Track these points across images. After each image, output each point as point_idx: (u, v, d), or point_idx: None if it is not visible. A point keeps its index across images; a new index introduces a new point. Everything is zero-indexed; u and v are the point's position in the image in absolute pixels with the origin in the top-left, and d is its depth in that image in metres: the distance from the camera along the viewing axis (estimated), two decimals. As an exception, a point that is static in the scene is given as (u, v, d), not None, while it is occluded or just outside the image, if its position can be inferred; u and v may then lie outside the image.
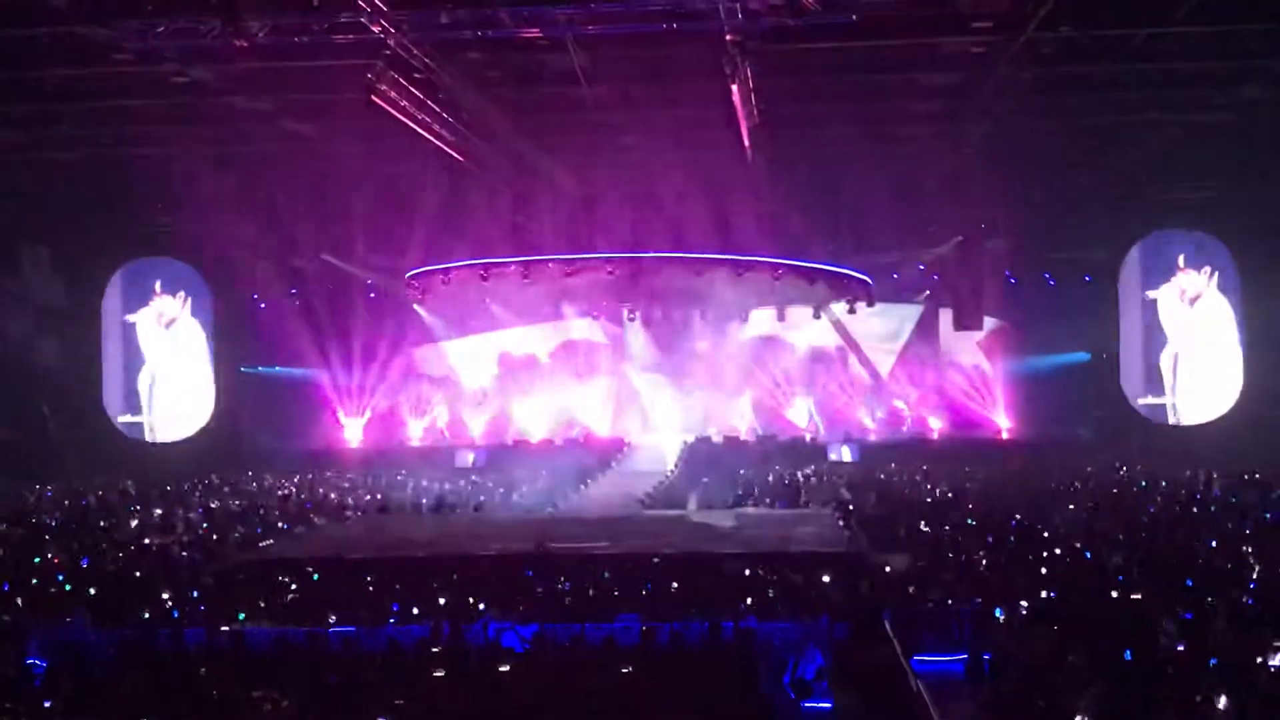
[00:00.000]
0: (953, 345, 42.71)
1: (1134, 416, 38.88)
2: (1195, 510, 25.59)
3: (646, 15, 20.84)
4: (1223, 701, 11.53)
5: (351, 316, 41.15)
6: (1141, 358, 39.13)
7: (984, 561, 19.90)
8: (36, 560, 22.22)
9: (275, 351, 43.04)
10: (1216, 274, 38.52)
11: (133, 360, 41.93)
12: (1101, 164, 34.90)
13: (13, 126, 30.17)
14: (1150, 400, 38.96)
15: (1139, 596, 16.52)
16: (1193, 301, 38.76)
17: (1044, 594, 16.85)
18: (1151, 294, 39.06)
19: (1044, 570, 19.01)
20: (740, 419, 42.49)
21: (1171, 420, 38.71)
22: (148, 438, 41.62)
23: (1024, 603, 16.24)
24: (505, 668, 13.75)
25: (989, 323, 41.41)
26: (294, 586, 19.15)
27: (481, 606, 17.28)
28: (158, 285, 41.93)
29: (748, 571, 19.37)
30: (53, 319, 39.98)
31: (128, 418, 41.78)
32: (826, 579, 18.74)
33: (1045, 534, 22.89)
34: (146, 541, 24.59)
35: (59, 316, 40.18)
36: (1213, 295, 38.60)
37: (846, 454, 37.73)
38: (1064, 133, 32.39)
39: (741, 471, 34.88)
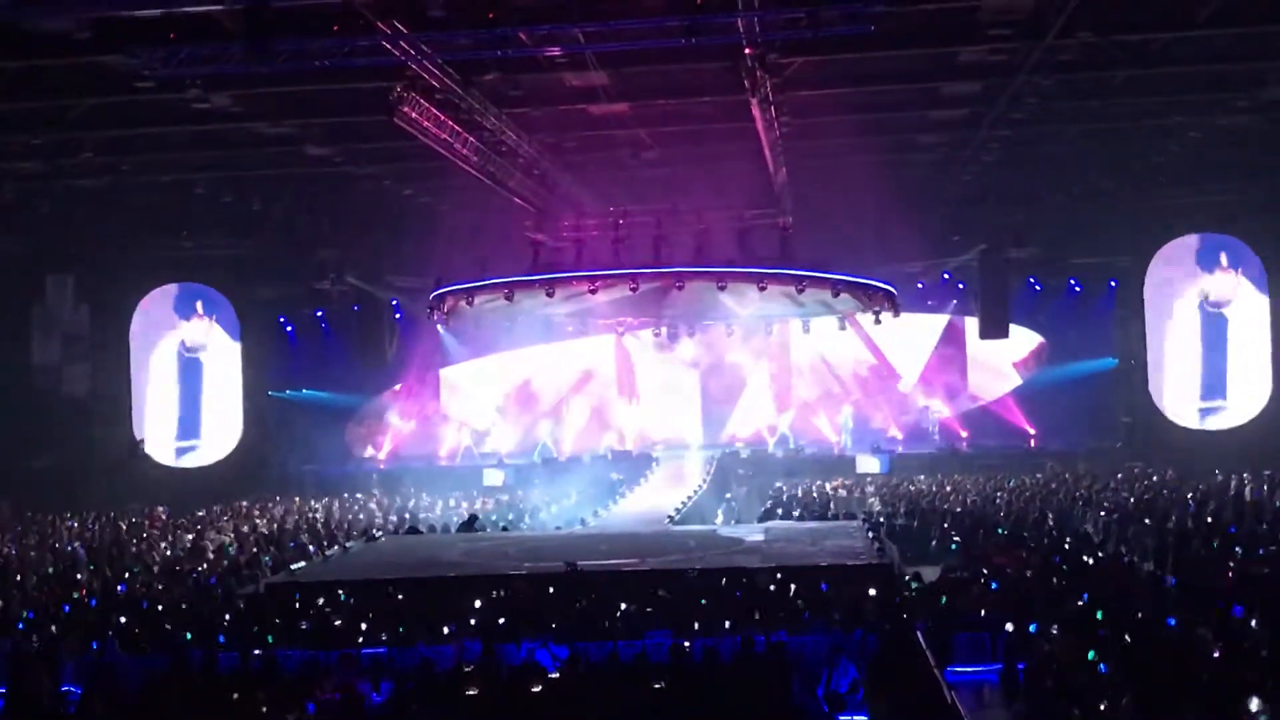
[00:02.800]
0: (979, 353, 42.58)
1: (1163, 422, 38.58)
2: (1227, 515, 25.46)
3: (665, 31, 20.82)
4: (1255, 703, 11.47)
5: (377, 338, 41.18)
6: (1169, 363, 38.82)
7: (1016, 571, 19.84)
8: (70, 587, 22.36)
9: (302, 375, 43.18)
10: (1243, 277, 38.23)
11: (161, 386, 42.02)
12: (1125, 168, 34.76)
13: (36, 156, 30.31)
14: (1179, 405, 38.63)
15: (1173, 603, 16.44)
16: (1219, 305, 38.48)
17: (1077, 602, 16.78)
18: (1177, 298, 38.77)
19: (1077, 578, 18.94)
20: (767, 432, 42.45)
21: (1201, 425, 38.39)
22: (177, 463, 41.67)
23: (1057, 612, 16.18)
24: (538, 687, 13.74)
25: (1024, 336, 41.28)
26: (325, 608, 19.20)
27: (513, 625, 17.29)
28: (184, 311, 42.04)
29: (777, 586, 19.35)
30: (80, 347, 40.14)
31: (158, 443, 41.84)
32: (857, 591, 18.70)
33: (1077, 542, 22.82)
34: (178, 566, 24.69)
35: (86, 344, 40.33)
36: (1239, 298, 38.31)
37: (875, 465, 37.59)
38: (1086, 138, 32.30)
39: (774, 485, 34.83)
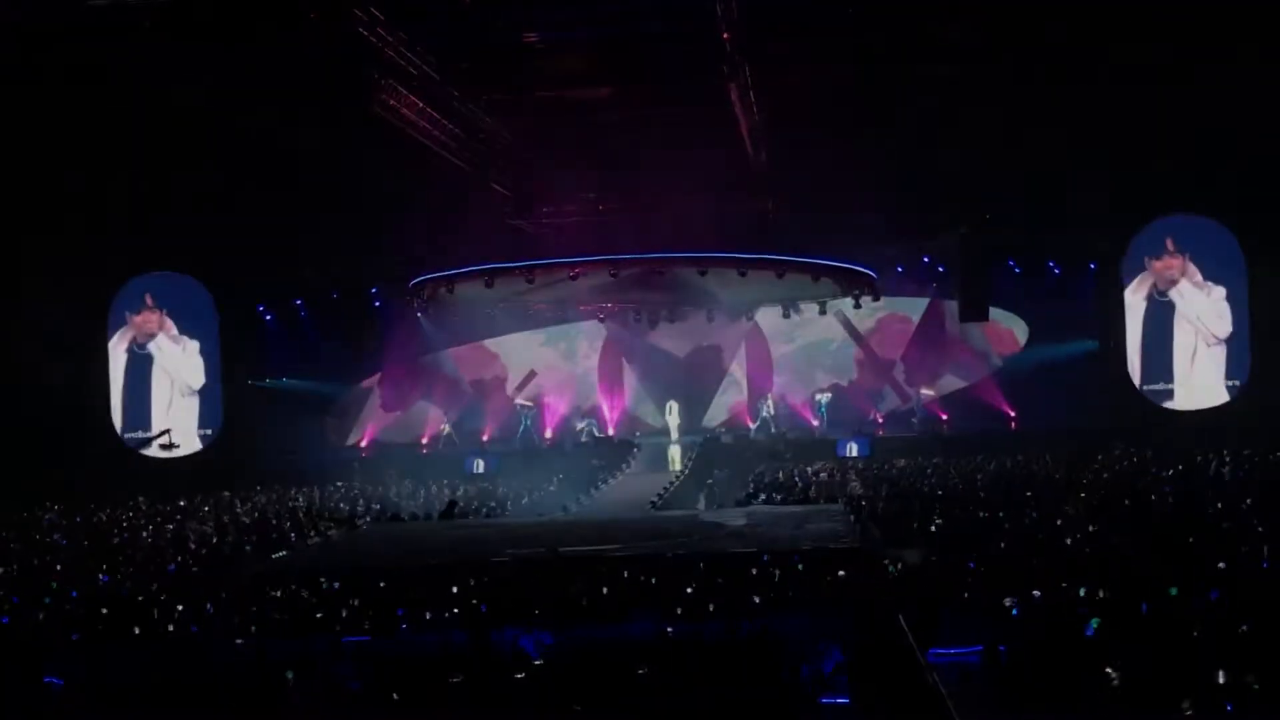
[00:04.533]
0: (959, 336, 42.67)
1: (1142, 403, 38.77)
2: (1208, 493, 25.55)
3: (643, 15, 20.85)
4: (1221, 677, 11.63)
5: (358, 326, 41.16)
6: (1148, 344, 38.99)
7: (997, 552, 19.89)
8: (50, 579, 22.28)
9: (282, 363, 43.10)
10: (1222, 257, 38.38)
11: (140, 376, 41.95)
12: (1105, 150, 34.80)
13: (14, 146, 30.17)
14: (1158, 386, 38.82)
15: (1155, 581, 16.49)
16: (1198, 286, 38.65)
17: (1060, 583, 16.84)
18: (1156, 280, 38.94)
19: (1058, 559, 19.00)
20: (749, 417, 42.48)
21: (1180, 406, 38.58)
22: (157, 453, 41.59)
23: (1037, 592, 16.23)
24: (522, 674, 13.75)
25: (1000, 315, 41.41)
26: (308, 597, 19.17)
27: (497, 612, 17.29)
28: (158, 300, 42.00)
29: (758, 570, 19.39)
30: (58, 337, 39.93)
31: (137, 434, 41.82)
32: (840, 574, 18.74)
33: (1058, 522, 22.90)
34: (160, 557, 24.62)
35: (64, 334, 40.13)
36: (1218, 278, 38.48)
37: (856, 449, 37.65)
38: (1067, 119, 32.33)
39: (756, 469, 34.88)
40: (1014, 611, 15.76)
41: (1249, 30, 25.79)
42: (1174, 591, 15.16)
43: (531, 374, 44.65)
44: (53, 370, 39.29)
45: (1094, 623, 14.08)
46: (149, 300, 42.10)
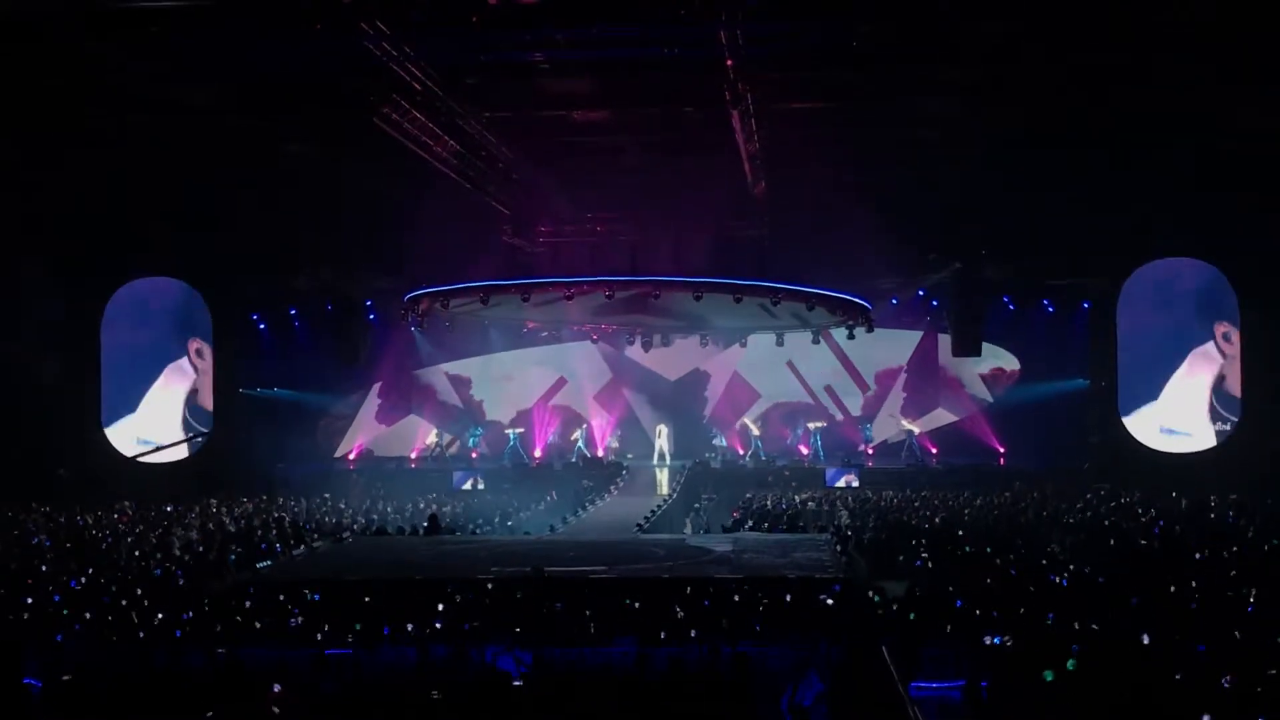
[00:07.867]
0: (951, 371, 42.76)
1: (1132, 444, 38.75)
2: (1194, 539, 25.57)
3: (648, 40, 20.89)
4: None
5: (350, 339, 41.13)
6: (1140, 385, 39.00)
7: (982, 587, 19.89)
8: (33, 580, 22.20)
9: (274, 373, 43.03)
10: (1215, 301, 38.44)
11: (133, 380, 41.83)
12: (1101, 191, 34.88)
13: (11, 144, 30.13)
14: (1149, 428, 38.80)
15: (1137, 624, 16.50)
16: (1190, 328, 38.66)
17: (1043, 621, 16.84)
18: (1149, 322, 38.92)
19: (1043, 597, 19.00)
20: (739, 443, 42.49)
21: (1170, 448, 38.54)
22: (146, 459, 41.46)
23: (1022, 629, 16.23)
24: (502, 692, 13.71)
25: (992, 351, 41.49)
26: (291, 608, 19.12)
27: (478, 630, 17.26)
28: (157, 306, 41.90)
29: (742, 597, 19.36)
30: (52, 338, 39.84)
31: (127, 438, 41.68)
32: (824, 604, 18.72)
33: (1043, 560, 22.91)
34: (144, 562, 24.55)
35: (58, 335, 40.03)
36: (1211, 322, 38.51)
37: (845, 480, 37.66)
38: (1064, 160, 32.41)
39: (744, 496, 34.86)
40: (995, 640, 15.78)
41: (1245, 75, 25.86)
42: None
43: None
44: (43, 373, 39.19)
45: (1070, 664, 14.09)
46: (156, 308, 41.86)
